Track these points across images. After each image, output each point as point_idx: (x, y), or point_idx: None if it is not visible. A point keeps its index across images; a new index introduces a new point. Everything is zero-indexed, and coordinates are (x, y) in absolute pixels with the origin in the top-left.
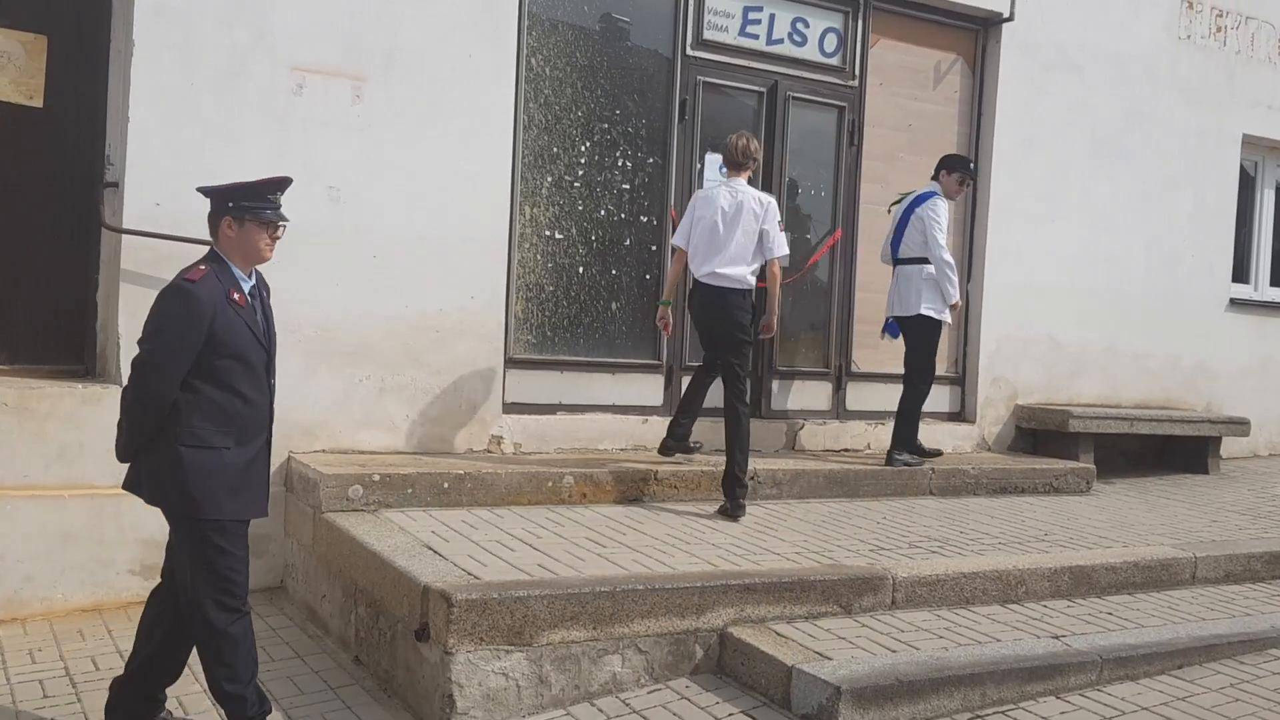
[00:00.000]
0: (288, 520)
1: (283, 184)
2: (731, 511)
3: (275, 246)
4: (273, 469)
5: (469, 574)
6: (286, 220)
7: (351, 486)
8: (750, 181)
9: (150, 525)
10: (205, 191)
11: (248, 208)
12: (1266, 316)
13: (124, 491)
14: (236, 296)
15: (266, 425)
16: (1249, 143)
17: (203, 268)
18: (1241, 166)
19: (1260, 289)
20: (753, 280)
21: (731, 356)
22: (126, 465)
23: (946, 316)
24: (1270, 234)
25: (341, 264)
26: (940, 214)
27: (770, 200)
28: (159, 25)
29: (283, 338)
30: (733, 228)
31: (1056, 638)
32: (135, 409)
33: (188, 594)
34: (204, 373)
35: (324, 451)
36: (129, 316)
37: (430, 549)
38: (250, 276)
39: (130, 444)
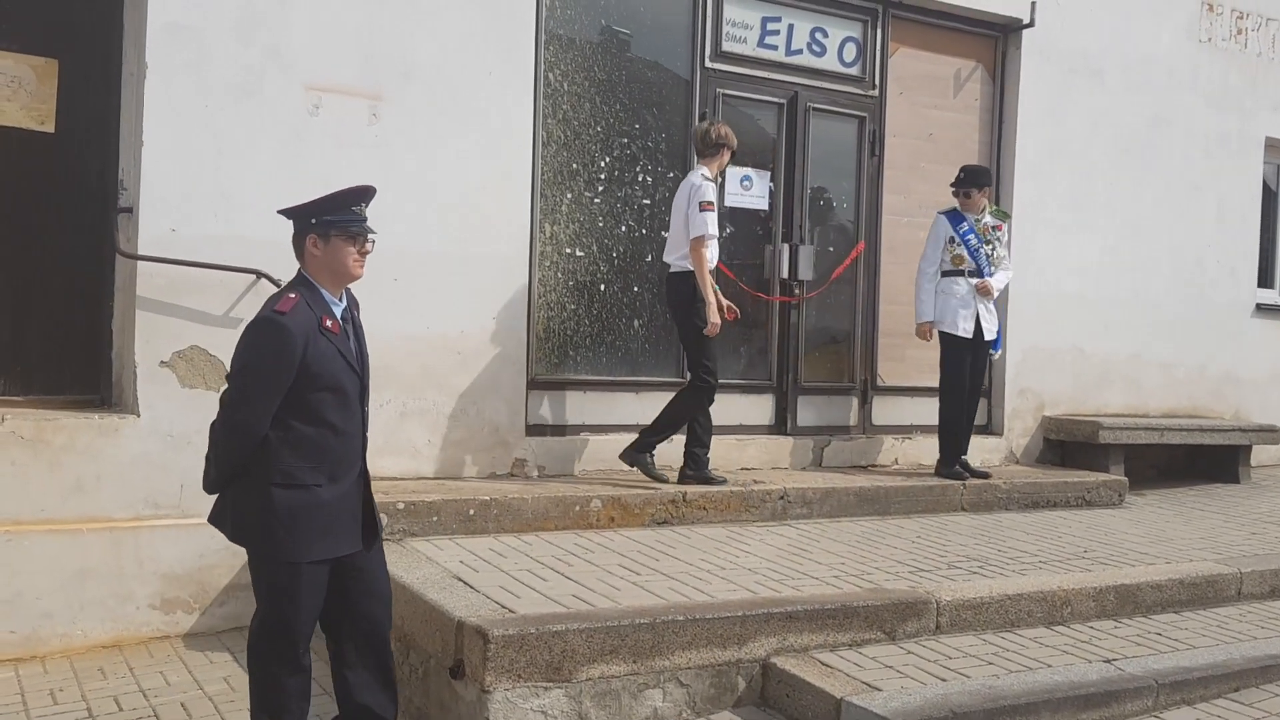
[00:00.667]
0: None
1: (366, 194)
2: (631, 453)
3: (365, 262)
4: None
5: (503, 606)
6: (374, 233)
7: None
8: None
9: (169, 558)
10: (286, 213)
11: (332, 222)
12: None
13: (143, 524)
14: (329, 324)
15: (360, 457)
16: (1271, 146)
17: (292, 296)
18: (1265, 170)
19: None
20: (687, 264)
21: (682, 341)
22: (211, 496)
23: (956, 330)
24: None
25: (361, 286)
26: (936, 230)
27: (698, 181)
28: (172, 45)
29: None
30: (676, 214)
31: (1109, 661)
32: (224, 446)
33: (251, 632)
34: (295, 406)
35: None
36: (144, 344)
37: (460, 580)
38: (341, 299)
39: (219, 479)
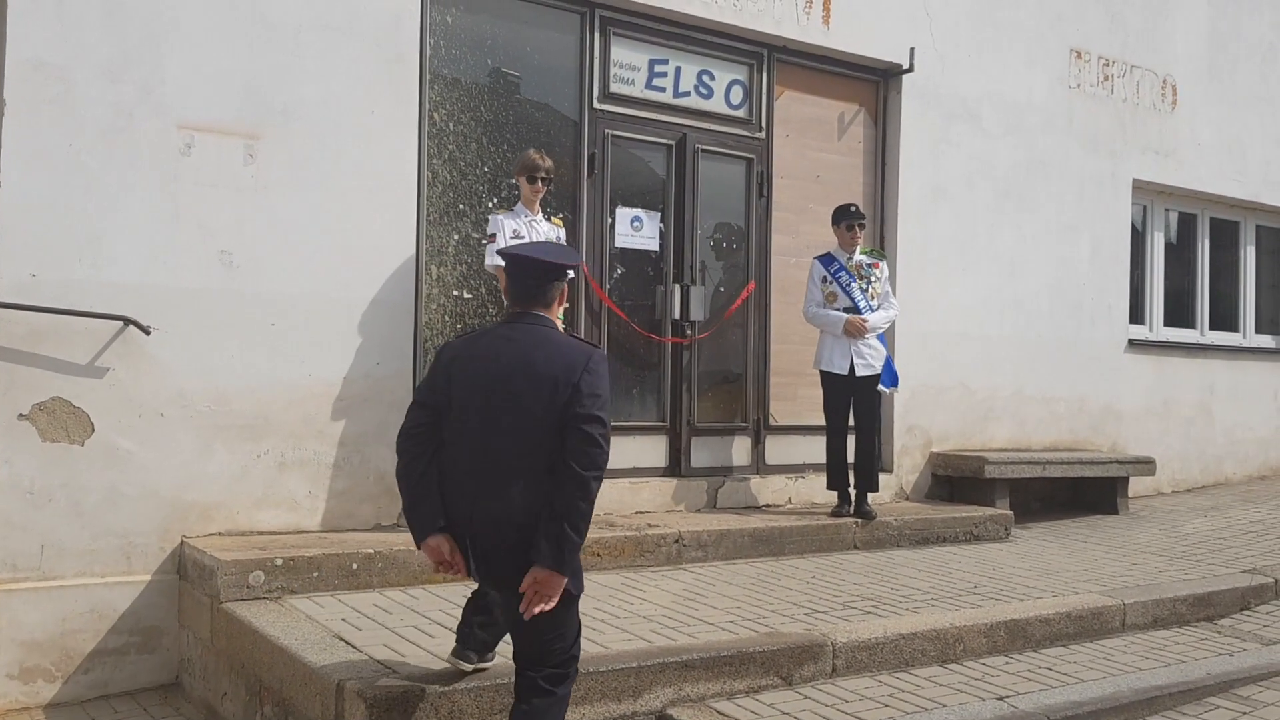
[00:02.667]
0: (182, 611)
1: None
2: None
3: None
4: (165, 552)
5: (386, 666)
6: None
7: (252, 573)
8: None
9: (30, 624)
10: (530, 260)
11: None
12: (1163, 356)
13: (4, 588)
14: None
15: None
16: (1139, 187)
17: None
18: (1133, 211)
19: (1155, 329)
20: None
21: None
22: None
23: (831, 367)
24: (1162, 275)
25: (237, 332)
26: (812, 273)
27: (491, 216)
28: (35, 81)
29: (174, 413)
30: None
31: (1002, 699)
32: (590, 506)
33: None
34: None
35: (221, 534)
36: (2, 396)
37: (342, 639)
38: None
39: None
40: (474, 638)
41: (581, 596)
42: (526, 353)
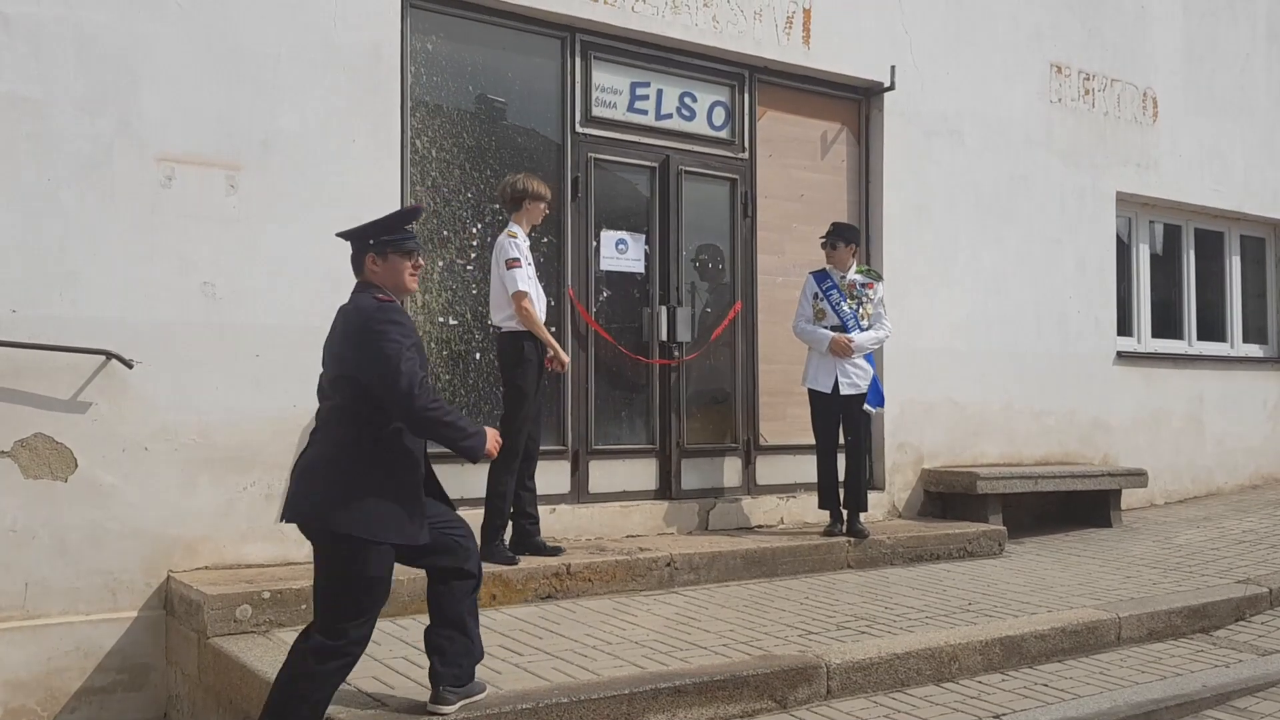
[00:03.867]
0: (169, 647)
1: (415, 213)
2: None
3: (418, 278)
4: (150, 588)
5: (374, 699)
6: (422, 249)
7: (239, 606)
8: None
9: (14, 663)
10: (343, 235)
11: (387, 241)
12: (1152, 368)
13: None
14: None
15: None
16: (1123, 200)
17: (381, 295)
18: (1117, 223)
19: (1143, 341)
20: (513, 324)
21: (503, 400)
22: None
23: (816, 385)
24: (1148, 286)
25: (221, 364)
26: (804, 288)
27: (503, 240)
28: (12, 115)
29: (158, 448)
30: (492, 276)
31: (998, 718)
32: (439, 423)
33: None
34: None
35: (207, 568)
36: None
37: None
38: None
39: (463, 437)
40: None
41: (570, 621)
42: None
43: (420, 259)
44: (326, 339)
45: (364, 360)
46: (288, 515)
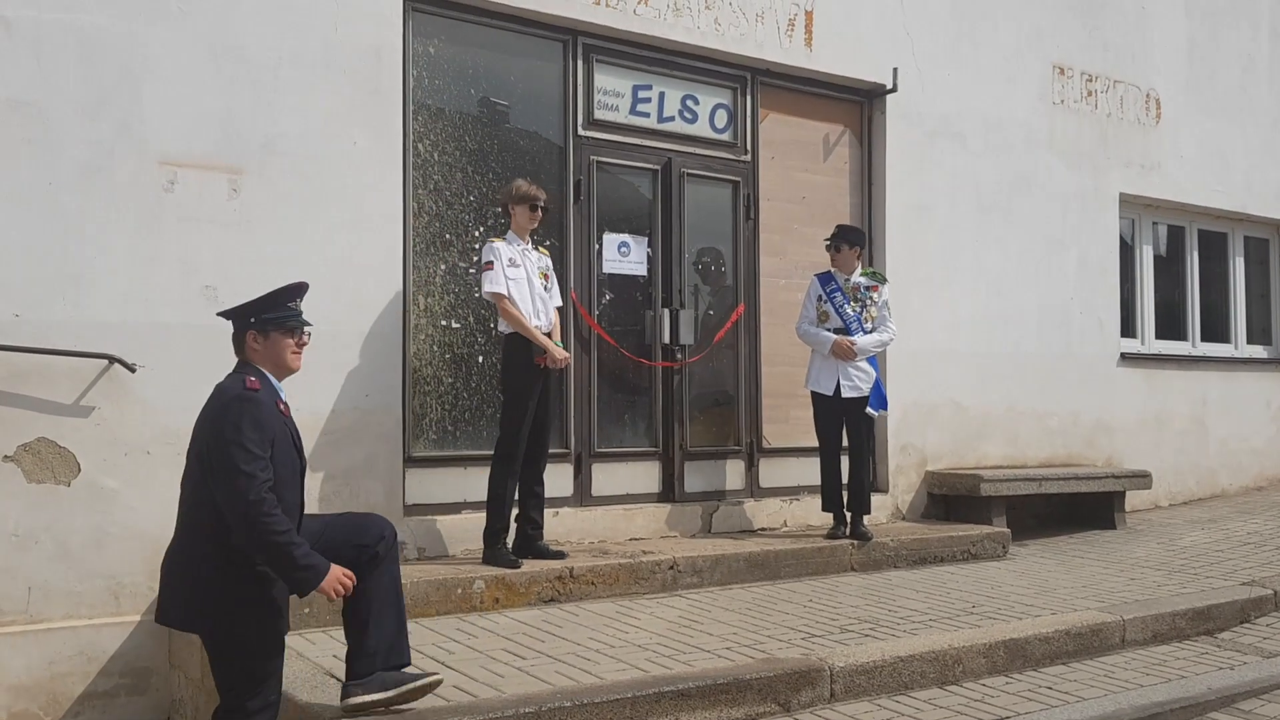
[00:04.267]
0: (172, 651)
1: (299, 291)
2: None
3: (302, 355)
4: (154, 592)
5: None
6: (310, 325)
7: None
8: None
9: (17, 668)
10: (224, 315)
11: (269, 319)
12: (1155, 369)
13: None
14: (281, 406)
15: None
16: (1126, 201)
17: (253, 378)
18: (1121, 225)
19: (1147, 342)
20: (503, 326)
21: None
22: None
23: (819, 387)
24: (1152, 288)
25: (223, 367)
26: (809, 290)
27: (485, 244)
28: (13, 120)
29: (160, 451)
30: None
31: None
32: (265, 529)
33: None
34: None
35: None
36: None
37: (333, 676)
38: (281, 389)
39: (312, 560)
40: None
41: (573, 624)
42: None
43: (305, 336)
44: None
45: (213, 461)
46: (160, 617)
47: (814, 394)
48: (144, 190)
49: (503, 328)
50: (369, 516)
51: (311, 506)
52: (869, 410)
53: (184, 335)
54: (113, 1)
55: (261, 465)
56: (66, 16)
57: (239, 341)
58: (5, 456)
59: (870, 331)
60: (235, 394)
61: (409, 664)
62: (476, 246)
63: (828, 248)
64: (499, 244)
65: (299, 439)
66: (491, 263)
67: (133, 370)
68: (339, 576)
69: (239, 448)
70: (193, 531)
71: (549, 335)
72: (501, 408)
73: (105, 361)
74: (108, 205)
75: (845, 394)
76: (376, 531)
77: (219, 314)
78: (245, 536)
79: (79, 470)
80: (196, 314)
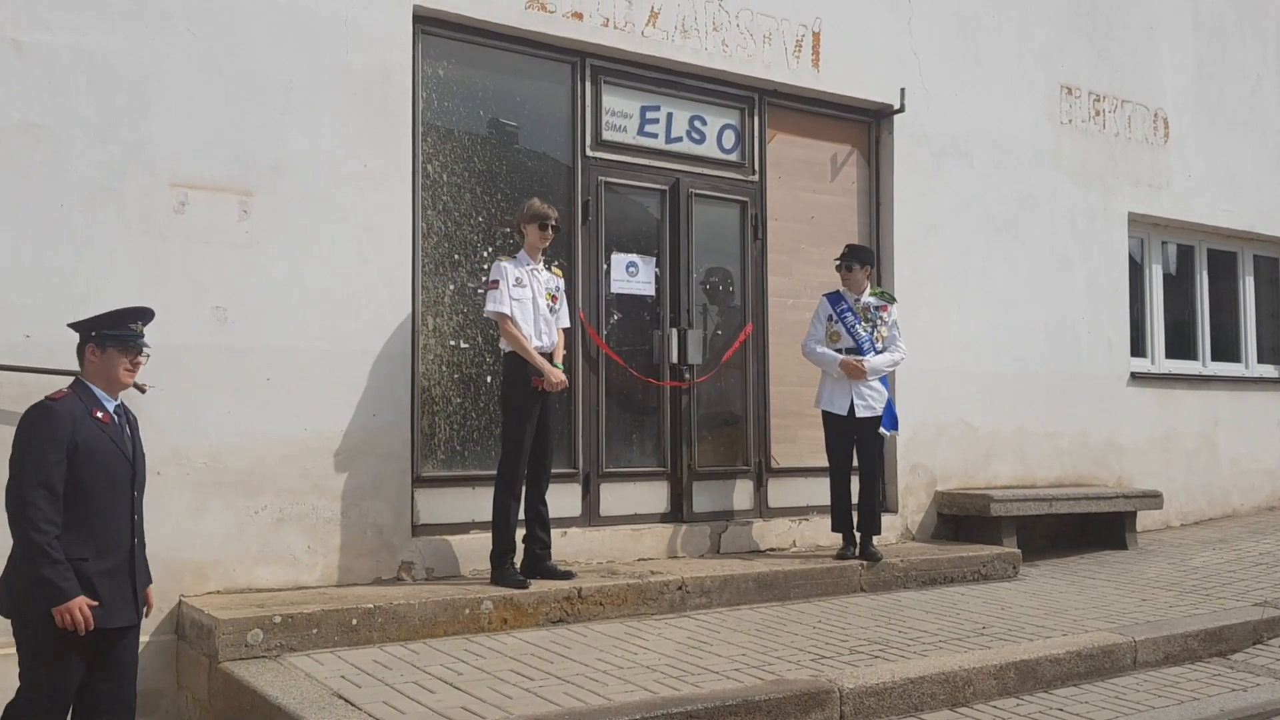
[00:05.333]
0: (180, 671)
1: (143, 314)
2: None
3: (136, 373)
4: (162, 612)
5: None
6: (148, 346)
7: (250, 631)
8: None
9: None
10: (73, 326)
11: (108, 335)
12: (1166, 388)
13: (1, 653)
14: (100, 415)
15: (131, 535)
16: (1135, 220)
17: (66, 390)
18: (1130, 244)
19: (1157, 362)
20: (505, 345)
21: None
22: None
23: (831, 407)
24: (1161, 307)
25: (232, 387)
26: (817, 310)
27: (494, 263)
28: (24, 142)
29: (169, 472)
30: None
31: None
32: (35, 546)
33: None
34: (69, 487)
35: (218, 593)
36: None
37: (342, 698)
38: (115, 399)
39: (56, 576)
40: None
41: (581, 645)
42: None
43: (142, 358)
44: None
45: (12, 452)
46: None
47: (826, 414)
48: (154, 211)
49: (504, 346)
50: (124, 696)
51: (320, 528)
52: (882, 430)
53: (194, 356)
54: (124, 24)
55: (35, 475)
56: (78, 39)
57: (80, 353)
58: None
59: (881, 351)
60: (34, 404)
61: None
62: (485, 267)
63: (839, 267)
64: (507, 264)
65: (130, 447)
66: (497, 282)
67: (143, 391)
68: (76, 610)
69: (20, 451)
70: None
71: (550, 356)
72: (502, 428)
73: None
74: (118, 226)
75: (859, 414)
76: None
77: (69, 324)
78: (13, 532)
79: None
80: (207, 335)
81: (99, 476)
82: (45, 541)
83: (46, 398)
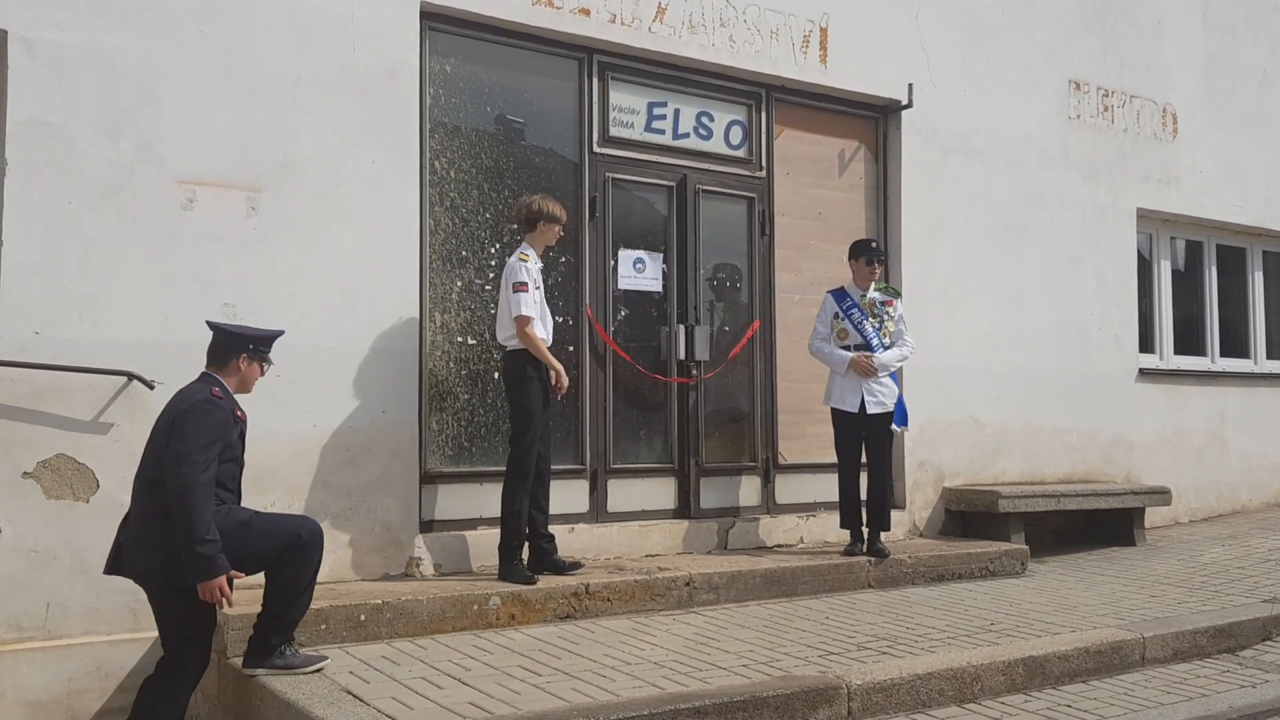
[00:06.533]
0: None
1: (279, 334)
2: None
3: None
4: None
5: None
6: (271, 363)
7: None
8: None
9: (35, 685)
10: (222, 328)
11: (262, 353)
12: (1174, 385)
13: (4, 648)
14: (239, 413)
15: None
16: (1143, 216)
17: (217, 389)
18: (1139, 240)
19: (1166, 358)
20: (517, 342)
21: (510, 419)
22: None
23: (842, 404)
24: (1170, 303)
25: None
26: (823, 307)
27: (513, 263)
28: (34, 141)
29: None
30: (500, 295)
31: None
32: (198, 519)
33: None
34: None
35: None
36: (5, 454)
37: (350, 693)
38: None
39: (209, 553)
40: None
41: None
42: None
43: (265, 371)
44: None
45: (170, 450)
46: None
47: (836, 410)
48: (163, 209)
49: (509, 342)
50: (290, 518)
51: (329, 524)
52: (894, 426)
53: (202, 352)
54: (132, 23)
55: (205, 459)
56: (87, 38)
57: (225, 357)
58: (25, 473)
59: (889, 347)
60: (202, 398)
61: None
62: (493, 264)
63: (865, 262)
64: (530, 265)
65: (244, 439)
66: (525, 284)
67: (151, 387)
68: (217, 589)
69: (190, 439)
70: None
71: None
72: (511, 424)
73: (124, 378)
74: (127, 224)
75: (871, 410)
76: (291, 531)
77: (214, 325)
78: (175, 512)
79: (97, 487)
80: None
81: (231, 469)
82: (207, 519)
83: (211, 393)
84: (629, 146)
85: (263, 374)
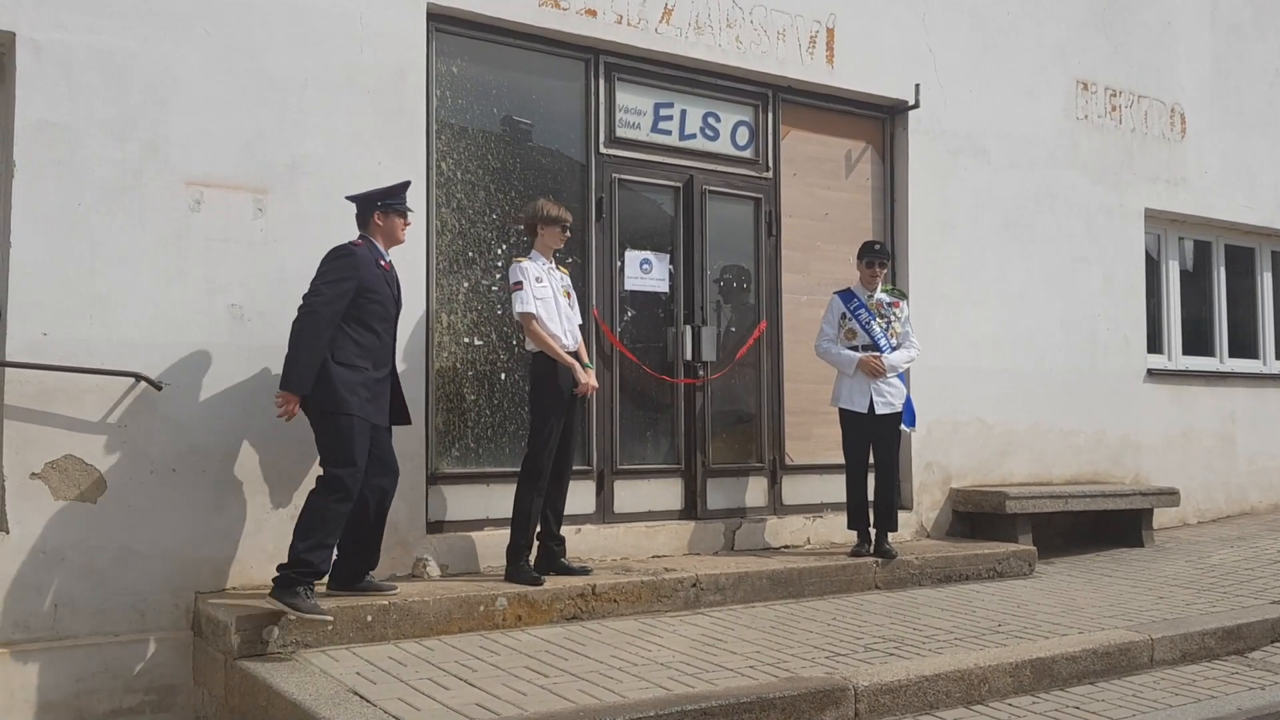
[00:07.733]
0: (197, 668)
1: (407, 186)
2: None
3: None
4: (179, 609)
5: None
6: (412, 210)
7: (266, 628)
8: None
9: (44, 686)
10: (353, 198)
11: (390, 204)
12: (1183, 385)
13: (13, 649)
14: (383, 264)
15: (391, 358)
16: (1151, 216)
17: (360, 241)
18: (1146, 240)
19: (1174, 359)
20: (530, 345)
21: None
22: None
23: (850, 405)
24: (1178, 303)
25: (248, 385)
26: (830, 308)
27: (512, 265)
28: (42, 142)
29: (187, 469)
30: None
31: None
32: (306, 341)
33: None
34: (353, 314)
35: (235, 590)
36: (14, 455)
37: (357, 694)
38: (387, 254)
39: (302, 372)
40: None
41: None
42: None
43: (408, 219)
44: None
45: (316, 275)
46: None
47: (844, 411)
48: (171, 210)
49: (529, 346)
50: (390, 465)
51: None
52: (903, 427)
53: (210, 353)
54: (140, 24)
55: (330, 293)
56: (95, 39)
57: (365, 218)
58: (33, 474)
59: (896, 348)
60: (338, 246)
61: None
62: (499, 264)
63: (870, 264)
64: (527, 263)
65: (399, 290)
66: (520, 283)
67: (159, 388)
68: (289, 404)
69: (319, 278)
70: None
71: (575, 354)
72: (530, 426)
73: (132, 380)
74: (135, 225)
75: (879, 411)
76: (389, 478)
77: (348, 197)
78: (293, 330)
79: (105, 488)
80: (223, 333)
81: (376, 309)
82: (313, 343)
83: (350, 242)
84: (635, 147)
85: (406, 222)
